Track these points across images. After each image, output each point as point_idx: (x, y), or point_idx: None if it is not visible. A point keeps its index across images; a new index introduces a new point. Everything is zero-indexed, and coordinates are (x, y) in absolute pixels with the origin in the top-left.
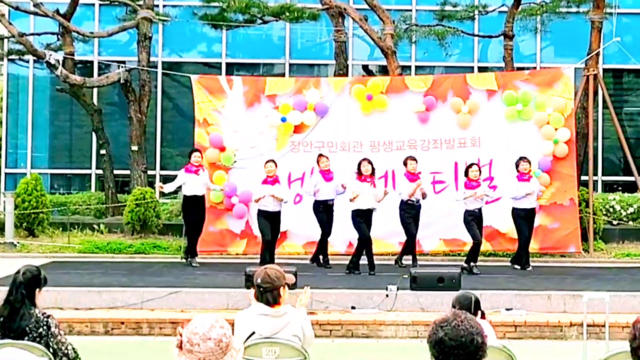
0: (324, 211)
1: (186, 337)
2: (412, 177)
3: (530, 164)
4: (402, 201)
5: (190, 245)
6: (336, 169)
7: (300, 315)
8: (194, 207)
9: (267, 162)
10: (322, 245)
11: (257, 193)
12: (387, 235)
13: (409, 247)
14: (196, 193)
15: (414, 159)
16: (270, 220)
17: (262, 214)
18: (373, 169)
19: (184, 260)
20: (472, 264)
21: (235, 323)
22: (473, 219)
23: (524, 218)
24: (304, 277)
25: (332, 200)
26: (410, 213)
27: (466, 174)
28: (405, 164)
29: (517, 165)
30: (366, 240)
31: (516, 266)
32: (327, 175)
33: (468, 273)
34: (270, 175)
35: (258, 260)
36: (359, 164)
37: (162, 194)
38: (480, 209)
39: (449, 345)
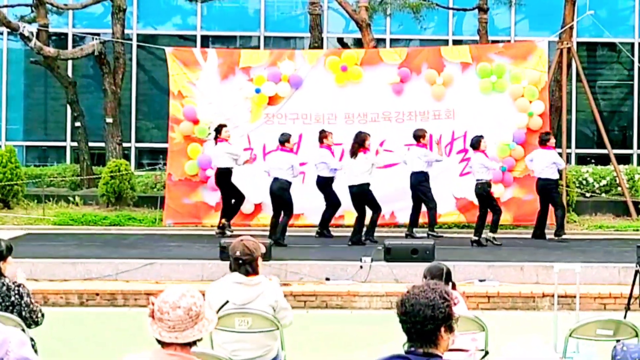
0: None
1: (157, 306)
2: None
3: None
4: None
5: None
6: (311, 141)
7: (274, 286)
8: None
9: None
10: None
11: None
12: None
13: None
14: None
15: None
16: None
17: None
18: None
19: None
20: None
21: (209, 291)
22: None
23: None
24: (278, 248)
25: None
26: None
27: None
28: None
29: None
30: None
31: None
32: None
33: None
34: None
35: (232, 233)
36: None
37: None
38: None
39: (400, 311)
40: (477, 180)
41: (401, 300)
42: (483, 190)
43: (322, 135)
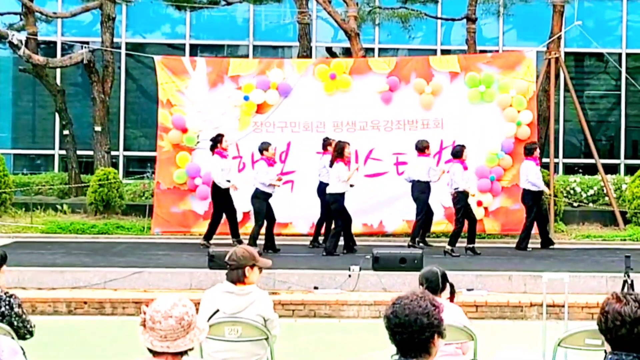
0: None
1: (149, 315)
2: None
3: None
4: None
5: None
6: (299, 149)
7: (265, 296)
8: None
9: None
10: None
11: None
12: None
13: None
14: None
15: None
16: None
17: None
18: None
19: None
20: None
21: (202, 300)
22: None
23: None
24: (266, 257)
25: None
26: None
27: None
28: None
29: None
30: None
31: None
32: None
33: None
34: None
35: (221, 241)
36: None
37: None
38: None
39: (393, 322)
40: (455, 189)
41: (393, 312)
42: (459, 200)
43: (327, 142)
